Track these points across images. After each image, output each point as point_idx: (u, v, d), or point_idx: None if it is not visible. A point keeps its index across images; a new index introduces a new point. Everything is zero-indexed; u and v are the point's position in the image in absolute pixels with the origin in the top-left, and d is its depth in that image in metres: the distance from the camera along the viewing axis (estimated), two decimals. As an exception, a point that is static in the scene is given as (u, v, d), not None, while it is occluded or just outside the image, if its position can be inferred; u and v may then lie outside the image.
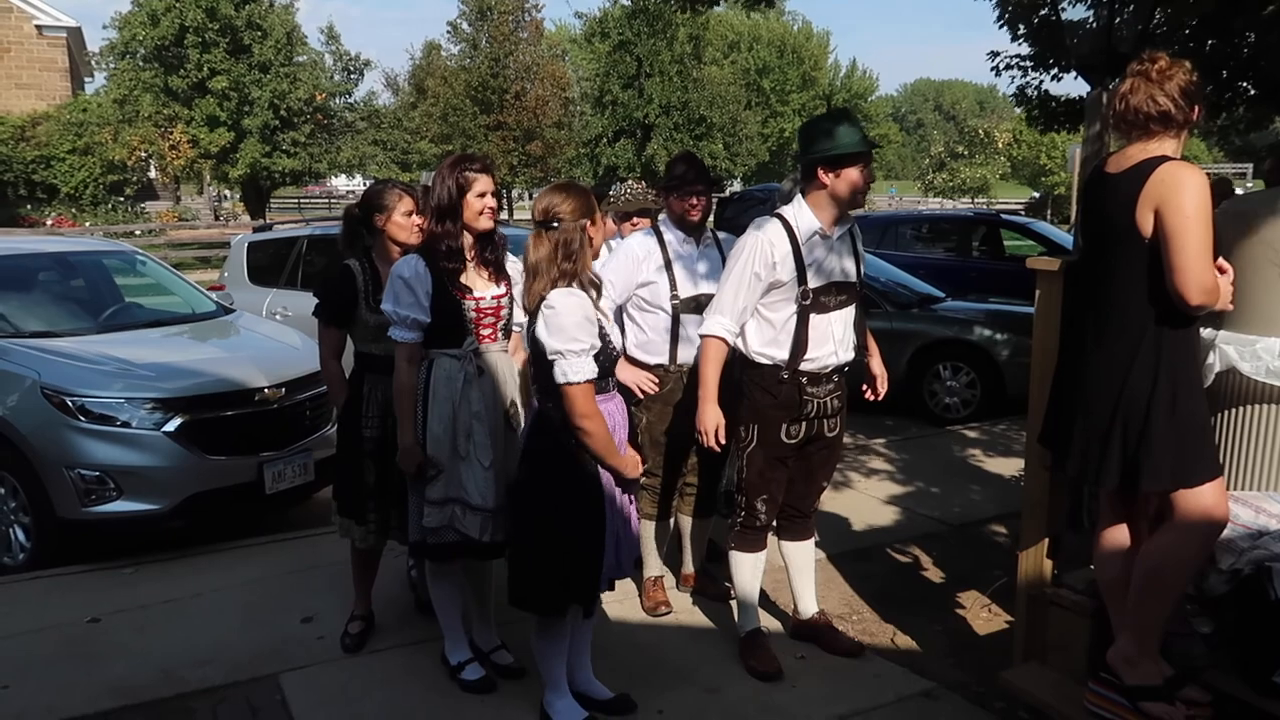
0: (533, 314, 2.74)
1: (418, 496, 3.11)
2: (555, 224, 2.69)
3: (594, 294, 2.77)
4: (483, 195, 3.06)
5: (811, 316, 3.18)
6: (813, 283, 3.17)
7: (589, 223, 2.71)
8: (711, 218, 4.01)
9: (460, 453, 3.04)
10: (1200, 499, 2.47)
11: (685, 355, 3.66)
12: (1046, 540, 3.07)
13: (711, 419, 3.18)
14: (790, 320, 3.18)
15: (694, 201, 3.66)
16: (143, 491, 4.34)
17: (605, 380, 2.78)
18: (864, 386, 3.51)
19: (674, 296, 3.66)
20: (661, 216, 3.87)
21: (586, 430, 2.67)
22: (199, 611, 3.89)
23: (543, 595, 2.81)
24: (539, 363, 2.74)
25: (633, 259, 3.68)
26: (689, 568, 4.05)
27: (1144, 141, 2.51)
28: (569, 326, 2.63)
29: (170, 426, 4.37)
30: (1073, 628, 2.96)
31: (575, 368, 2.63)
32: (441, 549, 3.13)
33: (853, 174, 3.12)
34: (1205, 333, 2.70)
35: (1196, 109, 2.49)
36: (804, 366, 3.20)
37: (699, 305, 3.59)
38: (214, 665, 3.41)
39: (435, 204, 3.05)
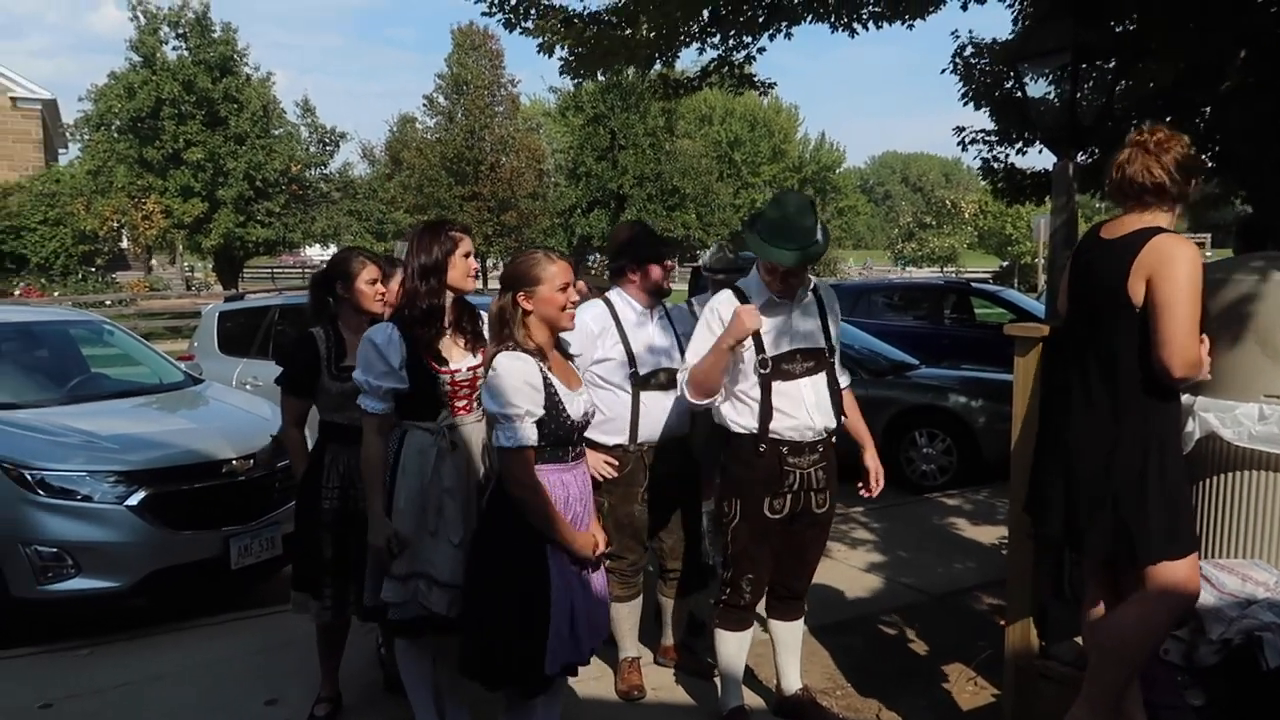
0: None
1: (379, 568, 3.00)
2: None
3: (547, 361, 2.67)
4: (468, 255, 3.04)
5: (775, 384, 3.12)
6: (771, 350, 3.13)
7: (521, 294, 2.65)
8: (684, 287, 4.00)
9: (429, 528, 2.94)
10: (1176, 572, 2.45)
11: (647, 433, 3.51)
12: (1033, 611, 3.02)
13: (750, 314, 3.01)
14: (755, 388, 3.14)
15: (669, 265, 3.63)
16: (102, 568, 4.19)
17: (561, 450, 2.68)
18: (859, 484, 3.40)
19: (633, 373, 3.51)
20: (614, 290, 3.63)
21: (521, 500, 2.59)
22: (157, 695, 3.73)
23: (487, 668, 2.66)
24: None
25: (587, 334, 3.42)
26: (668, 639, 3.94)
27: (1139, 211, 2.52)
28: (506, 389, 2.56)
29: (133, 500, 4.24)
30: (1063, 700, 2.88)
31: (507, 433, 2.57)
32: (404, 623, 3.00)
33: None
34: (1184, 399, 2.70)
35: (1193, 183, 2.51)
36: (781, 435, 3.13)
37: (660, 381, 3.50)
38: (172, 753, 3.26)
39: (420, 264, 2.97)
